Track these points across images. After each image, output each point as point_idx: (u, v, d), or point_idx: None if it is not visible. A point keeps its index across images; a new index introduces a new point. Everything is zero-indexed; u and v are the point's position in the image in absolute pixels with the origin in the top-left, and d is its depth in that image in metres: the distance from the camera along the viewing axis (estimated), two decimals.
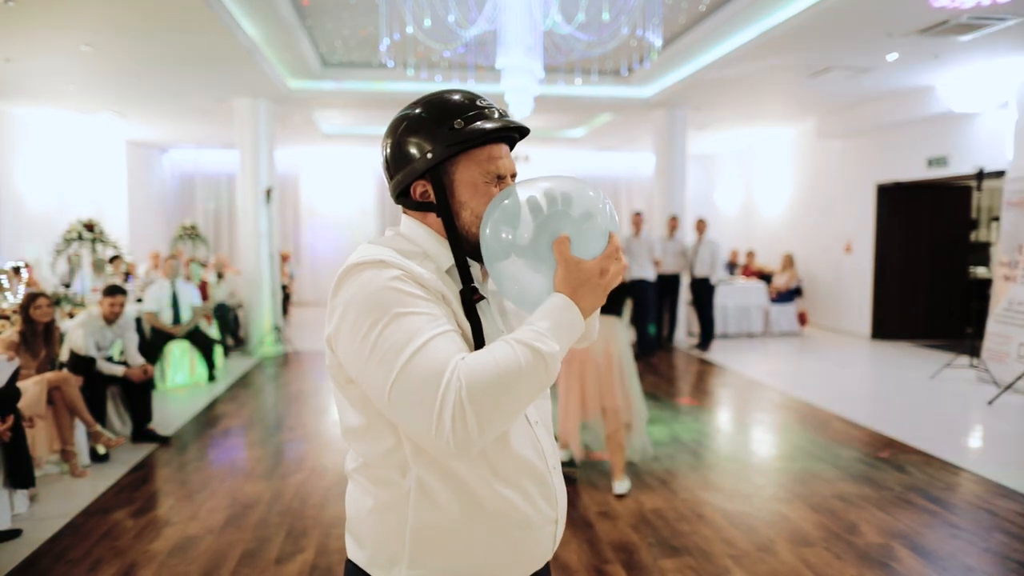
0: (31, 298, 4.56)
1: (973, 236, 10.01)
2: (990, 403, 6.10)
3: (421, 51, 7.26)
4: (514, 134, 1.26)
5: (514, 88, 6.20)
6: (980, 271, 10.18)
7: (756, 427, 5.80)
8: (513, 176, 1.26)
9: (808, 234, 11.21)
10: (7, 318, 5.38)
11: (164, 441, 5.18)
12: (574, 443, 4.24)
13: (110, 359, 5.27)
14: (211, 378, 7.20)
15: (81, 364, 4.93)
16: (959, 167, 8.26)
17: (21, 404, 3.89)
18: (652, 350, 8.81)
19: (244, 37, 6.51)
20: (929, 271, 9.56)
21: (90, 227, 9.28)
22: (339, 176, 14.49)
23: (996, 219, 9.70)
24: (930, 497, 4.06)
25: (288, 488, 4.26)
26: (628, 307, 4.49)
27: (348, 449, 1.29)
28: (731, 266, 12.28)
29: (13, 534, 3.55)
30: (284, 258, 11.61)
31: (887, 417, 5.78)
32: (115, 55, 6.72)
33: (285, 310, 10.65)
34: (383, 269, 1.13)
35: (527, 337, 1.08)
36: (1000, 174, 7.42)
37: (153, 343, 6.77)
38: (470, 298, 1.19)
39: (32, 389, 4.20)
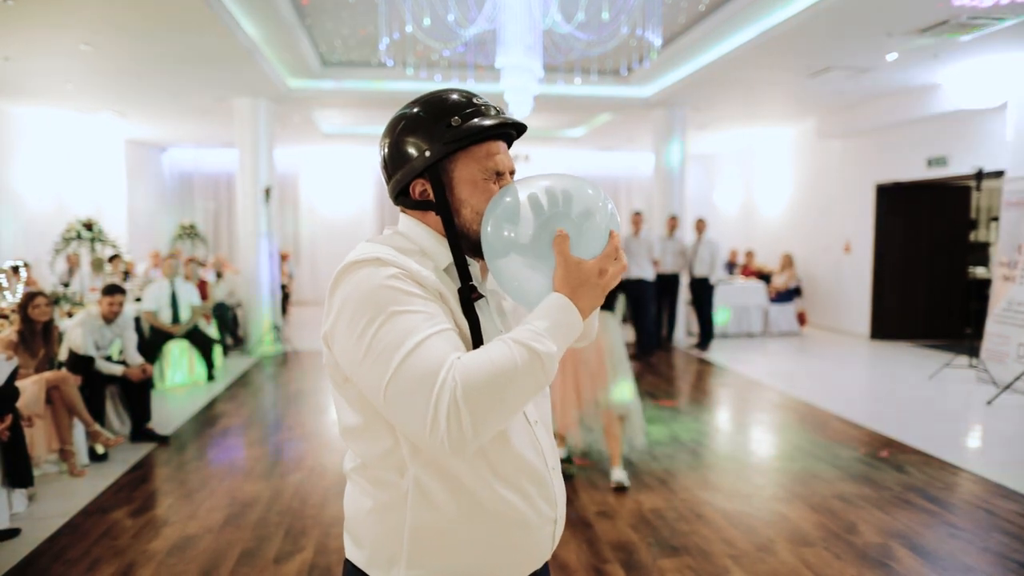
0: (30, 297, 4.56)
1: (972, 236, 10.01)
2: (989, 403, 6.10)
3: (421, 50, 7.26)
4: (512, 131, 1.25)
5: (514, 87, 6.19)
6: (979, 271, 10.19)
7: (755, 427, 5.80)
8: (512, 173, 1.26)
9: (808, 234, 11.21)
10: (6, 317, 5.37)
11: (163, 440, 5.17)
12: (573, 431, 4.24)
13: (109, 358, 5.27)
14: (210, 377, 7.20)
15: (80, 363, 4.92)
16: (959, 167, 8.26)
17: (20, 403, 3.89)
18: (652, 350, 8.81)
19: (244, 37, 6.51)
20: (928, 271, 9.56)
21: (89, 226, 9.28)
22: (338, 175, 14.50)
23: (995, 219, 9.71)
24: (929, 497, 4.06)
25: (287, 487, 4.26)
26: (621, 302, 4.51)
27: (347, 449, 1.29)
28: (730, 266, 12.28)
29: (12, 533, 3.55)
30: (283, 257, 11.61)
31: (886, 417, 5.77)
32: (115, 55, 6.71)
33: (284, 309, 10.65)
34: (380, 267, 1.12)
35: (524, 337, 1.07)
36: (999, 174, 7.43)
37: (152, 342, 6.76)
38: (468, 296, 1.18)
39: (31, 388, 4.20)
